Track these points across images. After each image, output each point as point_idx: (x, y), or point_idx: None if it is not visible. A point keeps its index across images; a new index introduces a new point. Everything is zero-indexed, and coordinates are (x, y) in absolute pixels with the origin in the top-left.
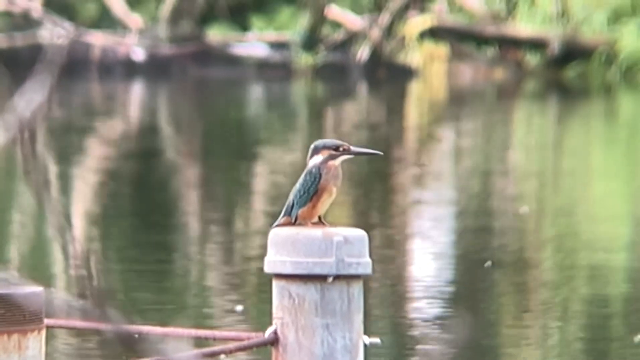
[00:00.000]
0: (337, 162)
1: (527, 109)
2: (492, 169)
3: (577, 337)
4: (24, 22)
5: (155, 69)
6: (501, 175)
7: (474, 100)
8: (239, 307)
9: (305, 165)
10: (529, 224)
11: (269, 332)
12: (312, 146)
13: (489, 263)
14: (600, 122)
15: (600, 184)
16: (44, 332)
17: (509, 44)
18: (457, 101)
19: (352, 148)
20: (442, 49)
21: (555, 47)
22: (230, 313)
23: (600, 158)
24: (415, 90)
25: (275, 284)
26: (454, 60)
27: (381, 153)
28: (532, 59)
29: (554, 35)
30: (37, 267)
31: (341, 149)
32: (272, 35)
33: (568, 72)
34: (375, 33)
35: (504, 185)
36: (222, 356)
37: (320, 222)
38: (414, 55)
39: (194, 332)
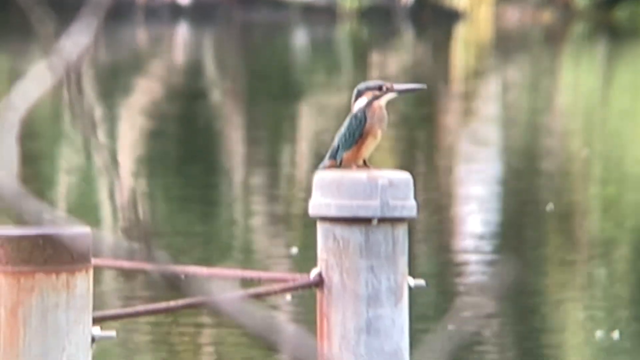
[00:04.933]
0: (382, 101)
1: (575, 51)
2: (541, 111)
3: (627, 284)
4: None
5: (200, 12)
6: (551, 117)
7: (521, 43)
8: (294, 250)
9: (350, 108)
10: (589, 168)
11: (313, 273)
12: (355, 90)
13: (550, 206)
14: None
15: None
16: (91, 271)
17: None
18: (504, 44)
19: (395, 86)
20: None
21: None
22: (275, 255)
23: None
24: (461, 33)
25: (320, 227)
26: (501, 3)
27: (425, 87)
28: (580, 0)
29: None
30: (84, 208)
31: (384, 88)
32: None
33: (618, 12)
34: None
35: (556, 127)
36: (288, 296)
37: (365, 165)
38: None
39: (240, 273)
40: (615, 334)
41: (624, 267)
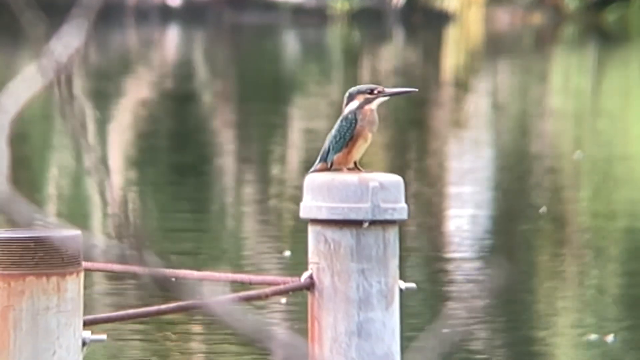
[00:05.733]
0: (374, 105)
1: (566, 53)
2: (532, 113)
3: (620, 287)
4: None
5: (190, 14)
6: (542, 119)
7: (511, 46)
8: (287, 252)
9: (341, 112)
10: (582, 170)
11: (304, 276)
12: (346, 94)
13: (543, 209)
14: None
15: None
16: (82, 274)
17: None
18: (495, 46)
19: (387, 89)
20: None
21: None
22: (267, 258)
23: None
24: (451, 35)
25: (311, 229)
26: (491, 5)
27: (416, 90)
28: (570, 3)
29: None
30: (75, 211)
31: (376, 91)
32: None
33: (607, 15)
34: None
35: (547, 130)
36: (283, 299)
37: (356, 167)
38: (451, 0)
39: (231, 276)
40: (610, 338)
41: (617, 270)
